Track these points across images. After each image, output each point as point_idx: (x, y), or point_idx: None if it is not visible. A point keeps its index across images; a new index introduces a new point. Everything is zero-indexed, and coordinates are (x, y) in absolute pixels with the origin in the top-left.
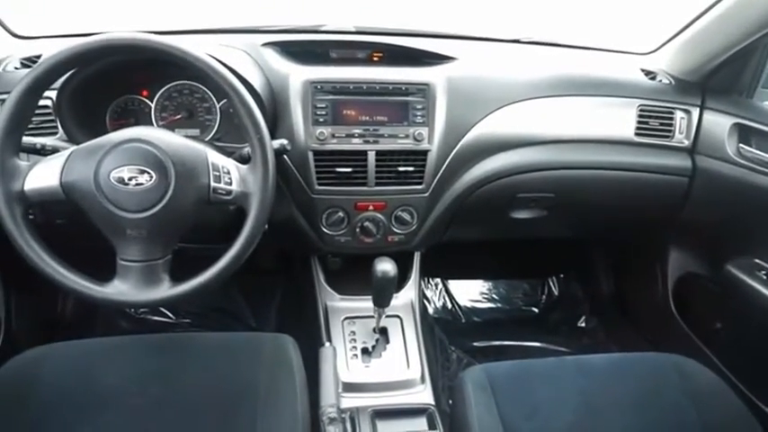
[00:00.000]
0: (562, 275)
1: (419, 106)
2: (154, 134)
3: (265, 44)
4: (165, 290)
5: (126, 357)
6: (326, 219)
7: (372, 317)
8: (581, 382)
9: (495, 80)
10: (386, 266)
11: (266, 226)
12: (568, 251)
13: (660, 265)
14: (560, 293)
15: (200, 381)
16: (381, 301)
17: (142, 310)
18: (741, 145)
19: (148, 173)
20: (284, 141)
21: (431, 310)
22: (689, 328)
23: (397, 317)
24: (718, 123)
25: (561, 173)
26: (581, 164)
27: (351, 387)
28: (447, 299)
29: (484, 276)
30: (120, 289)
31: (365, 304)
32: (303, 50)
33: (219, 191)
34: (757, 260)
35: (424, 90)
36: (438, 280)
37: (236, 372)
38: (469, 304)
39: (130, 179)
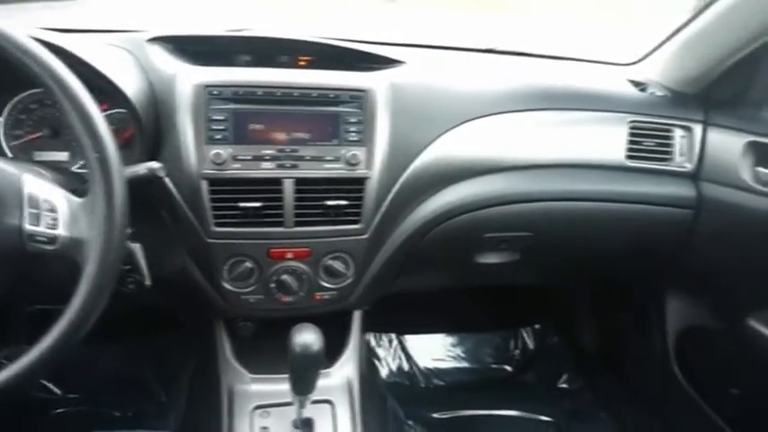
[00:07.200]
0: (538, 326)
1: (353, 120)
2: None
3: (152, 39)
4: None
5: None
6: (229, 271)
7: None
8: None
9: (454, 90)
10: (306, 338)
11: (148, 282)
12: (544, 296)
13: (657, 315)
14: (537, 348)
15: None
16: (301, 387)
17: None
18: (758, 168)
19: None
20: (154, 165)
21: (383, 374)
22: (695, 392)
23: (328, 402)
24: (728, 142)
25: (539, 206)
26: (563, 194)
27: None
28: (403, 359)
29: (446, 329)
30: None
31: (285, 386)
32: (203, 49)
33: (39, 237)
34: None
35: (360, 99)
36: (392, 336)
37: None
38: (430, 364)
39: None
